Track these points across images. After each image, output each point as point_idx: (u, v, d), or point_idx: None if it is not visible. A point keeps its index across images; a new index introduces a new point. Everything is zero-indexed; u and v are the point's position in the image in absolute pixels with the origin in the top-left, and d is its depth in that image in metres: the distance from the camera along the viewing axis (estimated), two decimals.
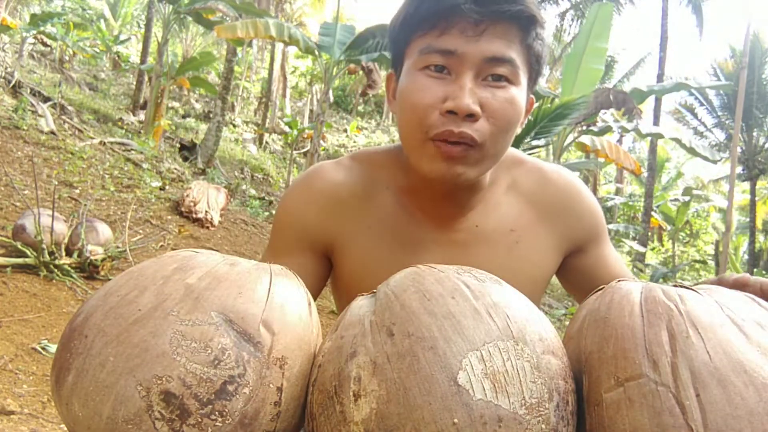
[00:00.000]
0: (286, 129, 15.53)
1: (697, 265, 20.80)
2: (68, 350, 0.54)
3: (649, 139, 14.09)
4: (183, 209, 6.87)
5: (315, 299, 0.87)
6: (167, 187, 7.69)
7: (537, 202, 0.94)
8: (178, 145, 11.81)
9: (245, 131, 17.14)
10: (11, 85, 9.20)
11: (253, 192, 10.68)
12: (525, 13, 0.79)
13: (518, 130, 0.86)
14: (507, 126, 0.80)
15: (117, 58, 17.57)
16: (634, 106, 7.46)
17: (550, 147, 8.61)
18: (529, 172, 0.96)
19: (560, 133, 8.02)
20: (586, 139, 9.11)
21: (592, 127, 9.16)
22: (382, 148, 0.98)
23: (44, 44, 15.47)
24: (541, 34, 0.83)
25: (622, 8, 15.05)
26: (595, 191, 20.76)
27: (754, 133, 17.77)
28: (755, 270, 14.33)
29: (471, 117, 0.78)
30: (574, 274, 0.97)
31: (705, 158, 9.67)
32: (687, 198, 20.03)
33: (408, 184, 0.92)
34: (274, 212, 9.44)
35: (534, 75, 0.86)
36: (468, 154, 0.79)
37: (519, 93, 0.81)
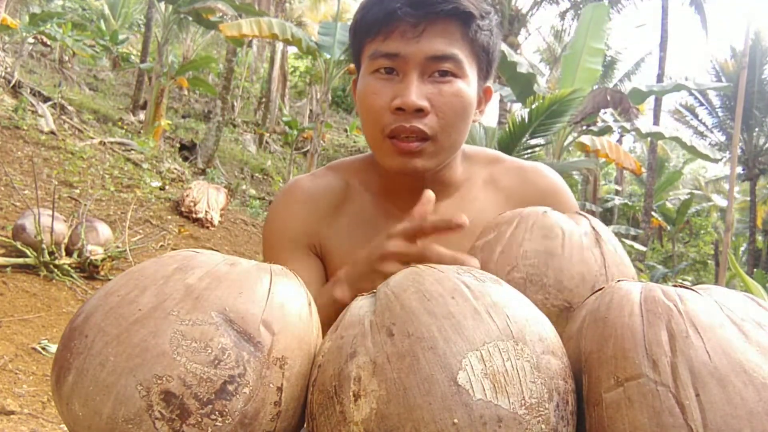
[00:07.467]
0: (286, 129, 15.51)
1: (698, 266, 20.78)
2: (68, 350, 0.54)
3: (649, 139, 14.07)
4: (183, 209, 6.87)
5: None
6: (167, 187, 7.69)
7: (516, 198, 0.96)
8: (178, 145, 11.81)
9: (245, 131, 17.12)
10: (11, 85, 9.19)
11: (253, 192, 10.68)
12: (459, 10, 0.83)
13: (478, 119, 0.92)
14: (455, 118, 0.85)
15: (117, 58, 17.54)
16: (630, 106, 7.46)
17: (550, 147, 8.60)
18: (509, 169, 0.99)
19: (560, 133, 8.01)
20: (586, 139, 9.10)
21: (592, 127, 9.16)
22: (357, 156, 1.05)
23: (44, 44, 15.44)
24: (484, 25, 0.87)
25: (622, 8, 15.04)
26: (595, 191, 20.72)
27: (755, 133, 17.77)
28: (755, 270, 14.31)
29: (420, 112, 0.83)
30: None
31: (705, 157, 9.67)
32: (687, 196, 20.03)
33: (382, 184, 0.97)
34: None
35: (485, 65, 0.90)
36: (423, 148, 0.85)
37: (466, 86, 0.86)
